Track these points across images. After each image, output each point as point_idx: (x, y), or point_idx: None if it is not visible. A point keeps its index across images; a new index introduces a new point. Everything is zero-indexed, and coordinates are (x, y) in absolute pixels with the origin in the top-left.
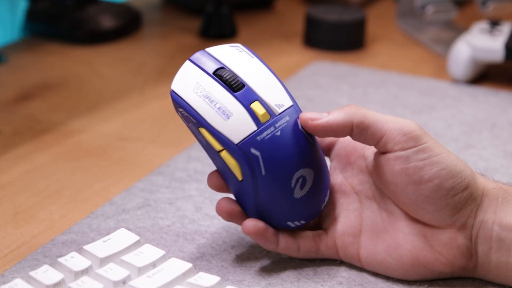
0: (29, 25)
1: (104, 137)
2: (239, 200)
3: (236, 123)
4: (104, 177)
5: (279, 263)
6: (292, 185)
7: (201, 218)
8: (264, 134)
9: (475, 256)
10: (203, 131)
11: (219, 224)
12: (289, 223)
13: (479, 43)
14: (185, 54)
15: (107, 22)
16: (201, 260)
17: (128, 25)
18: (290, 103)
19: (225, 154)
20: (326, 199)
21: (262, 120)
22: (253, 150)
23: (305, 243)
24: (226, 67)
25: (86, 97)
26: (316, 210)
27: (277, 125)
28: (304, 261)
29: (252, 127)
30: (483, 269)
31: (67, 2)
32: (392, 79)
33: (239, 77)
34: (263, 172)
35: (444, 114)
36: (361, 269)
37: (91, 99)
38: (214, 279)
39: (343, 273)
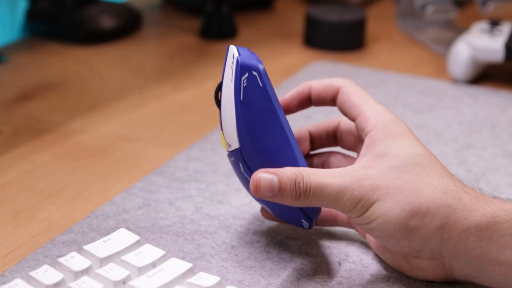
0: (29, 25)
1: (104, 137)
2: None
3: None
4: (104, 177)
5: (279, 263)
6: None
7: (201, 218)
8: (230, 160)
9: (452, 277)
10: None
11: (219, 224)
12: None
13: (479, 43)
14: (185, 54)
15: (107, 22)
16: (201, 260)
17: (128, 25)
18: (237, 145)
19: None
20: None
21: (225, 147)
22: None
23: (323, 215)
24: (223, 82)
25: (86, 97)
26: (314, 210)
27: (230, 159)
28: (304, 261)
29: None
30: (466, 282)
31: (67, 2)
32: (392, 79)
33: (217, 99)
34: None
35: (444, 114)
36: (361, 269)
37: (91, 99)
38: (214, 279)
39: (343, 273)
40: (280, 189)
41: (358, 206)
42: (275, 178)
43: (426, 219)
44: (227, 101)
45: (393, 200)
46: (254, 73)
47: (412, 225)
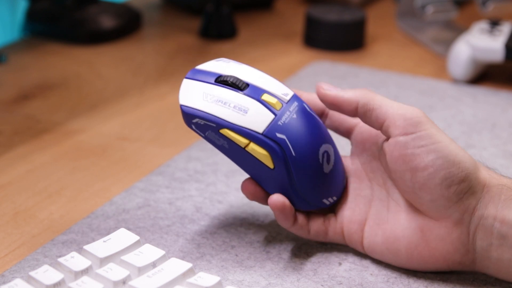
0: (29, 25)
1: (104, 137)
2: (273, 192)
3: (255, 115)
4: (104, 177)
5: (279, 263)
6: (320, 160)
7: (201, 218)
8: (283, 118)
9: (472, 252)
10: (226, 131)
11: (219, 224)
12: (325, 200)
13: (479, 43)
14: (185, 54)
15: (107, 22)
16: (201, 260)
17: (128, 25)
18: (292, 92)
19: (252, 147)
20: (344, 174)
21: (276, 108)
22: (278, 135)
23: (316, 226)
24: (223, 74)
25: (86, 97)
26: (342, 184)
27: (291, 110)
28: (304, 261)
29: (270, 115)
30: (482, 264)
31: (67, 2)
32: (392, 79)
33: (240, 79)
34: (293, 153)
35: (444, 114)
36: (361, 269)
37: (91, 99)
38: (214, 279)
39: (343, 273)
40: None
41: (420, 118)
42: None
43: (476, 166)
44: (256, 74)
45: (446, 140)
46: None
47: (468, 164)
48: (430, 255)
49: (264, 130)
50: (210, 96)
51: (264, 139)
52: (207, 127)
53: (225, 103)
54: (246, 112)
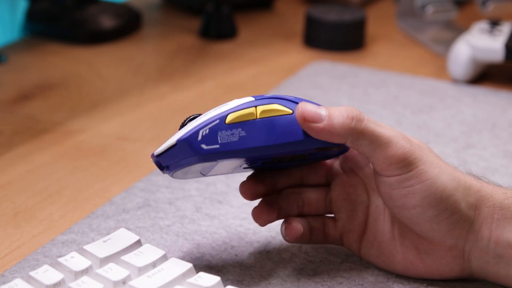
0: (29, 25)
1: (104, 137)
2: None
3: (238, 100)
4: (104, 177)
5: (279, 263)
6: None
7: (201, 218)
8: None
9: (468, 269)
10: (231, 116)
11: (219, 224)
12: None
13: (479, 43)
14: (185, 54)
15: (107, 22)
16: (201, 260)
17: (128, 25)
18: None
19: (261, 109)
20: None
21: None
22: (269, 96)
23: (316, 234)
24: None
25: (86, 97)
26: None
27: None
28: (304, 261)
29: (250, 97)
30: (480, 276)
31: (67, 2)
32: (392, 79)
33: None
34: (294, 100)
35: (444, 114)
36: (361, 269)
37: (91, 99)
38: (214, 279)
39: (343, 273)
40: (329, 114)
41: (406, 160)
42: (323, 108)
43: (466, 192)
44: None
45: (440, 168)
46: None
47: (457, 196)
48: (426, 271)
49: (255, 97)
50: (191, 123)
51: (263, 99)
52: (215, 130)
53: (206, 114)
54: (228, 104)
